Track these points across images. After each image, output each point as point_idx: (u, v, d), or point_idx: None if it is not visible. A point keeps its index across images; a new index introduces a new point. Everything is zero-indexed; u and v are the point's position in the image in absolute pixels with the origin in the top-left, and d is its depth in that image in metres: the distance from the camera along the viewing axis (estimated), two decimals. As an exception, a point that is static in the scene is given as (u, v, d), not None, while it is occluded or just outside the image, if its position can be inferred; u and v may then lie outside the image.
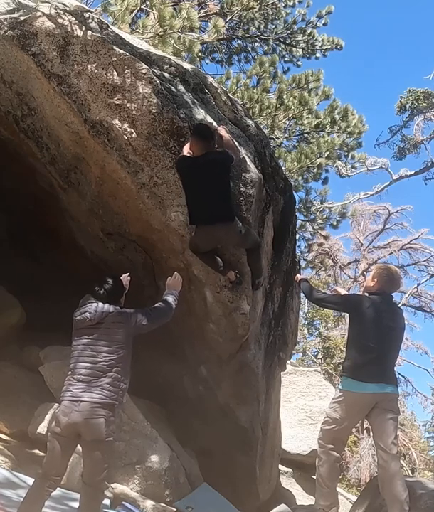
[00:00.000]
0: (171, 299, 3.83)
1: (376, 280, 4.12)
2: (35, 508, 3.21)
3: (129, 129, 4.50)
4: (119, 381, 3.38)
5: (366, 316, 3.95)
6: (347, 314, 4.48)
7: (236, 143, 4.69)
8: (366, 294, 4.19)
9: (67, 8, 4.67)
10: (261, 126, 8.07)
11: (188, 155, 4.30)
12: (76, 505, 3.41)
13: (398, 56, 41.70)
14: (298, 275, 4.75)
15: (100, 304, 3.50)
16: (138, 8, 6.83)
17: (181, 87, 4.88)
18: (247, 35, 11.18)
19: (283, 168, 8.23)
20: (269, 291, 5.53)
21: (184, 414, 5.60)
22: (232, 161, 4.30)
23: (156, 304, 3.75)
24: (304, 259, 13.14)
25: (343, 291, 4.53)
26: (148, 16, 6.94)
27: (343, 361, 4.18)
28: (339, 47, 11.32)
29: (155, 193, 4.57)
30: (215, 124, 4.78)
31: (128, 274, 3.96)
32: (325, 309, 18.93)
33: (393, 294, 4.25)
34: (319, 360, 18.84)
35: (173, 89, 4.78)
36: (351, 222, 18.29)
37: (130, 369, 3.52)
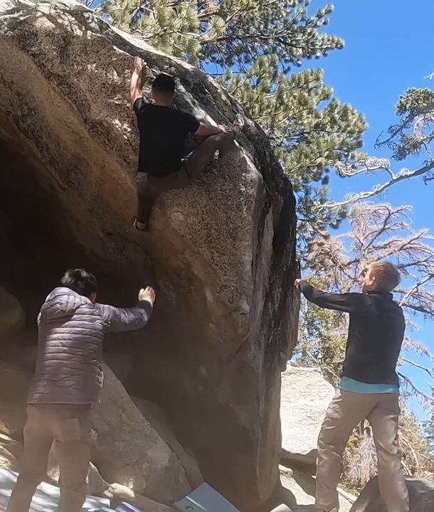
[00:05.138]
0: (145, 307, 3.68)
1: (374, 278, 4.08)
2: (23, 507, 3.14)
3: (129, 129, 4.51)
4: (93, 379, 3.22)
5: (368, 315, 3.93)
6: (348, 313, 4.47)
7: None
8: (367, 293, 4.16)
9: (67, 8, 4.67)
10: (261, 126, 8.07)
11: (151, 103, 4.36)
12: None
13: (398, 56, 41.67)
14: (297, 279, 4.72)
15: (71, 297, 3.33)
16: (138, 7, 6.82)
17: (181, 87, 4.89)
18: (247, 35, 11.16)
19: (283, 167, 8.22)
20: (269, 291, 5.52)
21: (184, 414, 5.60)
22: (194, 125, 4.33)
23: (133, 308, 3.59)
24: (304, 259, 13.13)
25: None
26: (148, 15, 6.93)
27: (344, 361, 4.17)
28: (339, 46, 11.31)
29: (155, 193, 4.56)
30: (214, 123, 4.78)
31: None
32: (325, 309, 18.96)
33: (392, 292, 4.23)
34: (319, 360, 18.82)
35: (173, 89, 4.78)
36: (351, 222, 18.25)
37: (102, 363, 3.38)
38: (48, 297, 3.42)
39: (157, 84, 4.39)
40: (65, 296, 3.33)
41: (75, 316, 3.26)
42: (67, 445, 3.09)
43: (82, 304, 3.31)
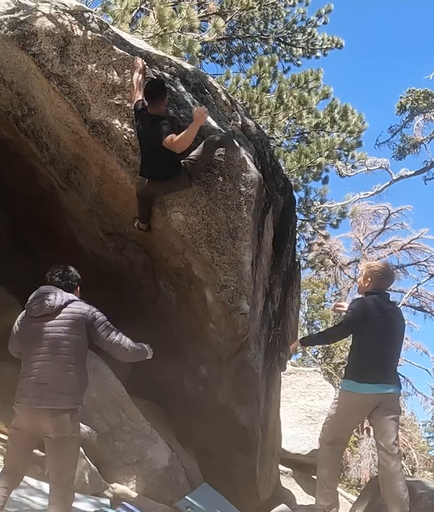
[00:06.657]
0: (144, 348, 3.54)
1: (369, 279, 4.05)
2: None
3: (129, 129, 4.51)
4: (79, 379, 3.16)
5: (369, 316, 3.92)
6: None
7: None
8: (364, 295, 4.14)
9: (67, 8, 4.68)
10: (261, 126, 8.07)
11: (145, 109, 4.29)
12: (77, 505, 3.40)
13: (398, 56, 41.71)
14: (292, 345, 4.58)
15: (58, 294, 3.26)
16: (138, 7, 6.83)
17: (181, 87, 4.89)
18: (247, 35, 11.16)
19: (283, 167, 8.22)
20: (269, 291, 5.52)
21: (184, 414, 5.60)
22: (163, 137, 4.08)
23: (127, 338, 3.39)
24: (304, 259, 13.13)
25: (345, 304, 4.40)
26: (148, 15, 6.93)
27: (346, 364, 4.15)
28: (339, 46, 11.31)
29: (155, 193, 4.56)
30: (215, 123, 4.77)
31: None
32: (326, 310, 18.96)
33: (389, 292, 4.22)
34: (319, 360, 18.84)
35: (174, 89, 4.78)
36: (351, 222, 18.22)
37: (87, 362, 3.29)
38: (31, 296, 3.34)
39: (145, 94, 4.29)
40: (52, 294, 3.26)
41: (59, 315, 3.19)
42: (57, 441, 3.06)
43: (66, 303, 3.24)
